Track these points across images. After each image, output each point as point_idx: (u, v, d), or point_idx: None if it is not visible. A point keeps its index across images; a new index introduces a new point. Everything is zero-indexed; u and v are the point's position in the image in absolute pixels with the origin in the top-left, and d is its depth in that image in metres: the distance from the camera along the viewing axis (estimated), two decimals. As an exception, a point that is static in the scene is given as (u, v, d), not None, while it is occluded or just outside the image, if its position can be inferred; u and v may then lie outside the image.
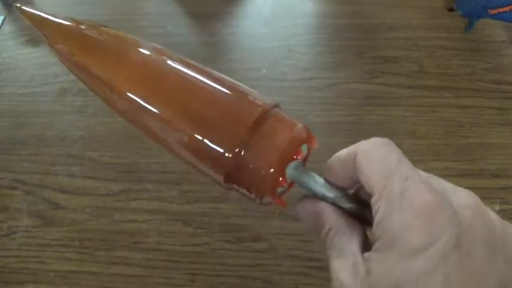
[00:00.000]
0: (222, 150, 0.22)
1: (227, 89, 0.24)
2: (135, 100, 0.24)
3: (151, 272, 0.49)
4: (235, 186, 0.23)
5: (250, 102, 0.23)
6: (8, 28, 0.76)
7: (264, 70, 0.66)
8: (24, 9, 0.29)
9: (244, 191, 0.23)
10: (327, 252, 0.19)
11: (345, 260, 0.18)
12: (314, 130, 0.24)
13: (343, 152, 0.20)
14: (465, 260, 0.15)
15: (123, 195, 0.54)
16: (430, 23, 0.70)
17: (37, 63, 0.70)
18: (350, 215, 0.20)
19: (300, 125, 0.22)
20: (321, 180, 0.21)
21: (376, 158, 0.18)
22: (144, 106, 0.24)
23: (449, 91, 0.62)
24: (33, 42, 0.73)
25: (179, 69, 0.25)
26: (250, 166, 0.21)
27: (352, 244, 0.18)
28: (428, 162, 0.54)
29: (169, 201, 0.53)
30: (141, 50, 0.26)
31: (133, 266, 0.49)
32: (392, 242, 0.16)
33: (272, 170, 0.20)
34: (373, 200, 0.17)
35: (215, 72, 0.25)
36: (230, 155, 0.21)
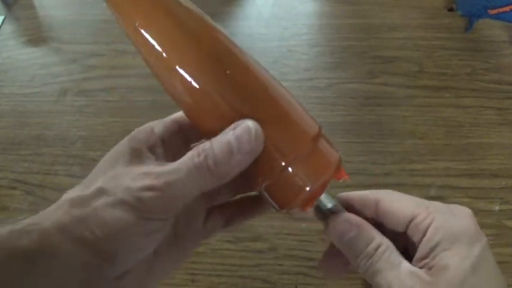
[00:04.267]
0: (280, 154, 0.22)
1: (293, 98, 0.25)
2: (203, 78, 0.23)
3: (151, 272, 0.49)
4: (264, 188, 0.23)
5: (310, 118, 0.24)
6: (8, 28, 0.76)
7: (264, 70, 0.66)
8: None
9: (269, 197, 0.23)
10: (375, 265, 0.21)
11: (399, 271, 0.21)
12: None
13: (358, 197, 0.24)
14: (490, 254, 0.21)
15: (123, 195, 0.54)
16: (430, 23, 0.70)
17: (37, 63, 0.70)
18: None
19: (338, 153, 0.24)
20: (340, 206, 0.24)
21: (400, 198, 0.23)
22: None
23: (449, 91, 0.62)
24: (33, 42, 0.73)
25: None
26: (296, 177, 0.22)
27: (400, 256, 0.22)
28: (428, 162, 0.54)
29: (169, 201, 0.53)
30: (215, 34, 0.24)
31: (133, 266, 0.49)
32: (456, 239, 0.20)
33: (309, 188, 0.22)
34: (418, 219, 0.21)
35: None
36: (284, 161, 0.22)
